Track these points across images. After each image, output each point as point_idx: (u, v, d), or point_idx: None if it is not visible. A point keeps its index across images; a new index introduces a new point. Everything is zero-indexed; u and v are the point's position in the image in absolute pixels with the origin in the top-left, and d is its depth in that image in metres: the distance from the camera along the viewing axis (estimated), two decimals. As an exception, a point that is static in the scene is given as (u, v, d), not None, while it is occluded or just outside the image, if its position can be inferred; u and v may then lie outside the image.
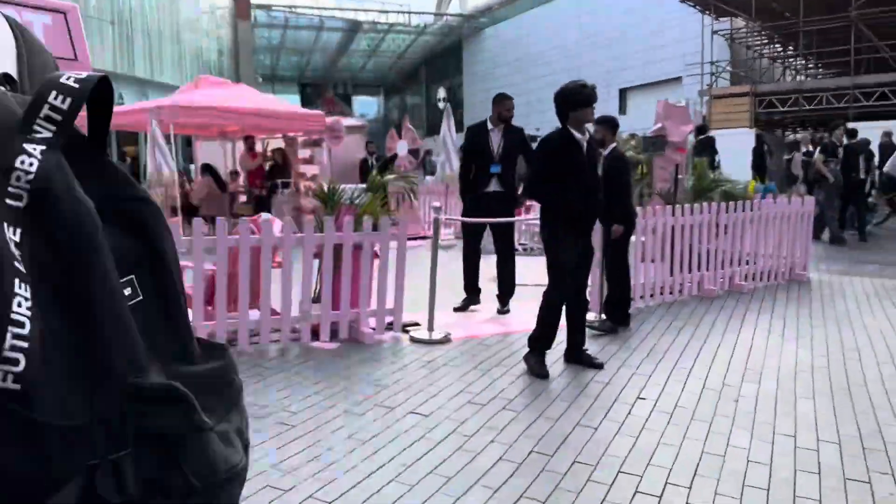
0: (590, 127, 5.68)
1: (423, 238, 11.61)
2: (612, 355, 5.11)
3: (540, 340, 4.76)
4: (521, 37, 38.40)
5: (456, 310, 6.36)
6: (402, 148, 11.53)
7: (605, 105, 26.62)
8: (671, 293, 6.96)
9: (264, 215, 5.20)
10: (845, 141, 13.04)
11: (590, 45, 33.03)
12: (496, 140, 6.20)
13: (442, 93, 49.53)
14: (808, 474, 3.29)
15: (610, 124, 5.81)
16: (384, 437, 3.55)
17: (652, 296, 6.81)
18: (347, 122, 13.51)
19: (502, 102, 6.25)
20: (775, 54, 25.32)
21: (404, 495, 2.96)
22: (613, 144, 5.73)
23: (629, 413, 4.00)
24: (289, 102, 16.16)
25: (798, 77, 25.39)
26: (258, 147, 13.56)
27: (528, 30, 37.78)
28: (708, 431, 3.75)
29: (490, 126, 6.28)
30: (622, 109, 30.77)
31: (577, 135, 4.61)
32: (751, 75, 23.78)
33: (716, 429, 3.79)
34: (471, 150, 6.42)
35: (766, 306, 6.66)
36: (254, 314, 5.00)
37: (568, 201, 4.58)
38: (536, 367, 4.64)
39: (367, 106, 57.13)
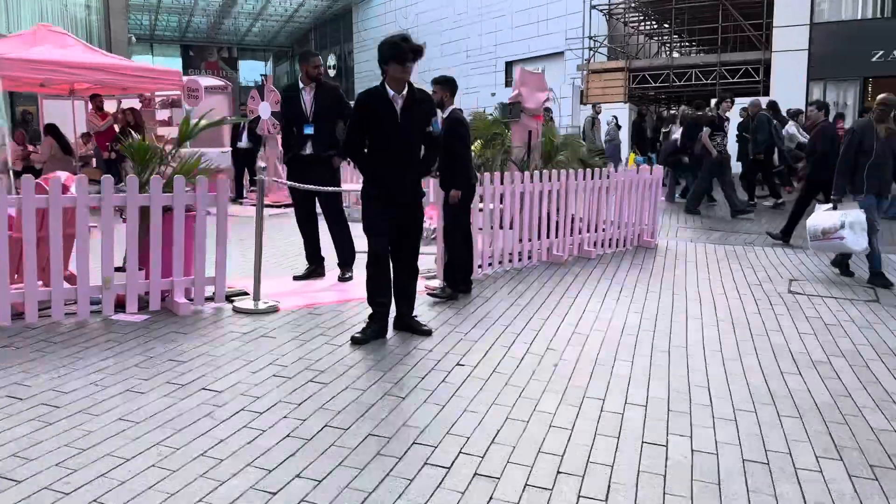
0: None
1: (287, 206, 11.15)
2: (445, 322, 4.95)
3: (371, 307, 4.56)
4: (411, 5, 37.82)
5: (296, 278, 6.03)
6: (264, 110, 10.94)
7: (491, 77, 26.61)
8: (520, 260, 6.91)
9: (59, 173, 4.66)
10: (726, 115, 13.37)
11: (478, 17, 32.99)
12: (308, 100, 5.86)
13: (332, 59, 48.27)
14: (608, 438, 3.23)
15: (448, 85, 5.57)
16: (161, 418, 3.21)
17: (501, 262, 6.72)
18: (208, 81, 12.70)
19: (308, 60, 5.89)
20: (650, 31, 26.08)
21: (161, 482, 2.65)
22: (452, 106, 5.50)
23: (443, 381, 3.84)
24: (137, 61, 14.96)
25: (673, 54, 26.31)
26: (111, 107, 12.56)
27: (418, -1, 37.25)
28: (518, 397, 3.64)
29: (301, 86, 5.92)
30: (508, 82, 31.05)
31: (391, 92, 4.34)
32: (627, 51, 24.40)
33: (527, 394, 3.69)
34: (285, 112, 6.05)
35: (609, 272, 6.72)
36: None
37: (373, 171, 4.40)
38: (358, 333, 4.44)
39: (254, 71, 54.88)
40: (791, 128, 12.50)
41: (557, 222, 7.16)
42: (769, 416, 3.52)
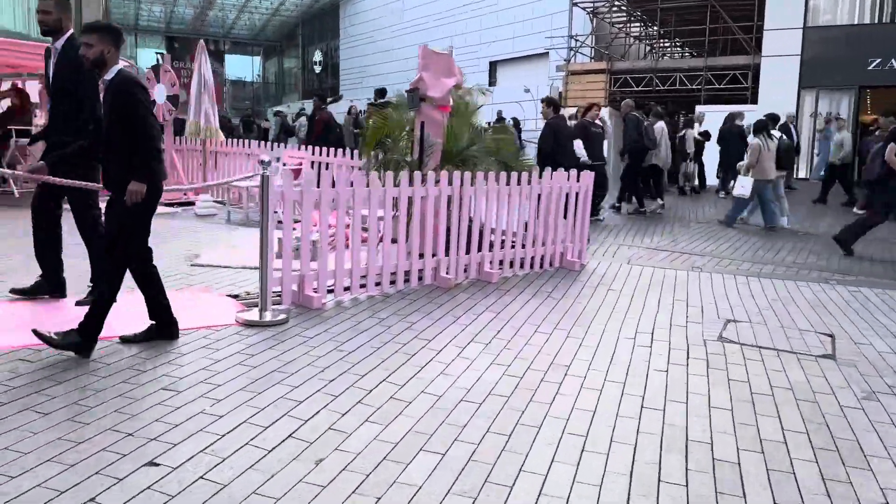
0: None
1: (187, 204, 9.76)
2: (201, 381, 3.54)
3: None
4: (396, 1, 36.60)
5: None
6: (159, 94, 9.56)
7: (474, 77, 25.15)
8: (392, 283, 5.49)
9: None
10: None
11: (462, 15, 31.76)
12: (52, 64, 4.47)
13: (319, 55, 46.82)
14: None
15: (109, 34, 3.77)
16: None
17: (364, 286, 5.31)
18: None
19: None
20: (635, 32, 24.69)
21: None
22: (118, 66, 3.77)
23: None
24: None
25: (663, 56, 24.91)
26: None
27: (403, -6, 36.05)
28: (195, 534, 2.23)
29: (52, 41, 4.50)
30: (492, 82, 29.81)
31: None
32: (612, 52, 22.98)
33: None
34: None
35: (501, 303, 5.28)
36: None
37: None
38: None
39: (242, 65, 53.53)
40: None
41: (449, 235, 5.76)
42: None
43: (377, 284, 5.36)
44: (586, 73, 21.95)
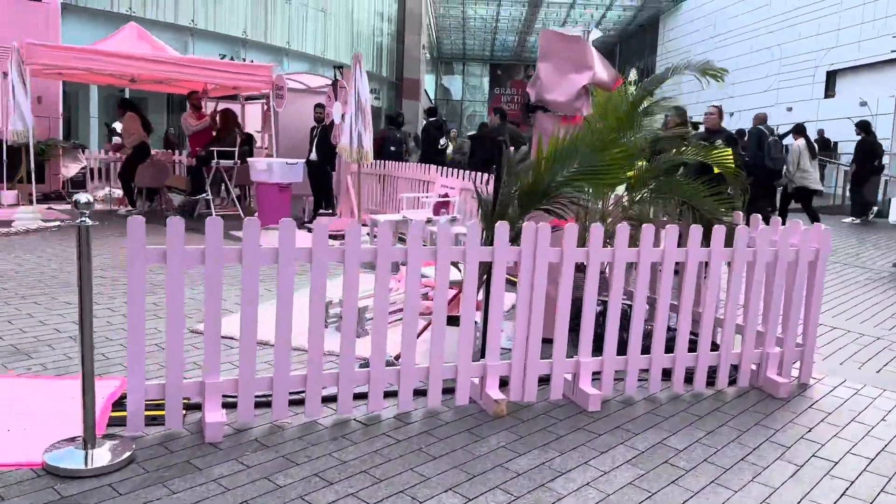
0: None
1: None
2: None
3: None
4: (719, 10, 32.82)
5: None
6: (336, 112, 8.50)
7: (808, 90, 20.72)
8: (392, 395, 3.35)
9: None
10: None
11: (794, 20, 26.94)
12: None
13: (633, 74, 44.25)
14: None
15: None
16: None
17: (330, 399, 3.27)
18: (306, 79, 10.70)
19: None
20: None
21: None
22: None
23: None
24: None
25: None
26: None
27: (727, 2, 32.09)
28: None
29: None
30: (829, 94, 24.68)
31: None
32: None
33: None
34: None
35: (555, 469, 2.79)
36: None
37: None
38: None
39: (561, 89, 53.27)
40: None
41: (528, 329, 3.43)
42: None
43: (361, 397, 3.29)
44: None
